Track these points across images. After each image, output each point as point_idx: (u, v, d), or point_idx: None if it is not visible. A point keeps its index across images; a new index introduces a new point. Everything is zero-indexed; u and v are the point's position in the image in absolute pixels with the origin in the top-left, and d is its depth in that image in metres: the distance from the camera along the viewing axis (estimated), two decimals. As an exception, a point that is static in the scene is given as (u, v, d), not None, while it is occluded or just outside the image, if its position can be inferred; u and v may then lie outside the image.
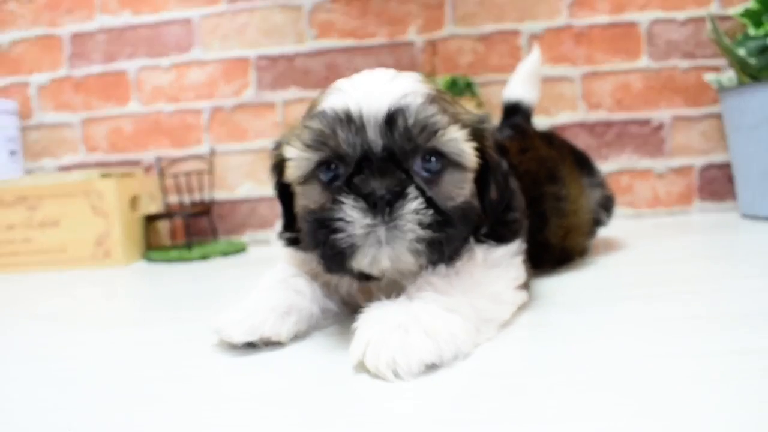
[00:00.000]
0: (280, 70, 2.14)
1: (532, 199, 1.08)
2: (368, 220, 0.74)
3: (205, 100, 2.18)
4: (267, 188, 2.16)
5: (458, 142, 0.80)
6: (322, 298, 0.94)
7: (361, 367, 0.72)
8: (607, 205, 1.37)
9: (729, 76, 1.86)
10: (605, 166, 2.03)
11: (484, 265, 0.87)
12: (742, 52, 1.73)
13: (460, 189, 0.82)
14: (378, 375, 0.70)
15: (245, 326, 0.84)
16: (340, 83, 0.83)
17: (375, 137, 0.77)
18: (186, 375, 0.80)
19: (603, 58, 2.04)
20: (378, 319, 0.75)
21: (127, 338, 1.03)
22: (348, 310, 0.97)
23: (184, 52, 2.18)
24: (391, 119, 0.76)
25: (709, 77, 1.90)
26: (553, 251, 1.20)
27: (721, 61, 1.99)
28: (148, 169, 2.23)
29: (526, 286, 0.95)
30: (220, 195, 2.18)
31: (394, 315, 0.74)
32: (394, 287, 0.85)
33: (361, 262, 0.77)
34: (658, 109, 2.03)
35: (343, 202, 0.75)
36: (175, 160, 2.12)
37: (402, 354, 0.69)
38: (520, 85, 1.47)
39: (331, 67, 2.11)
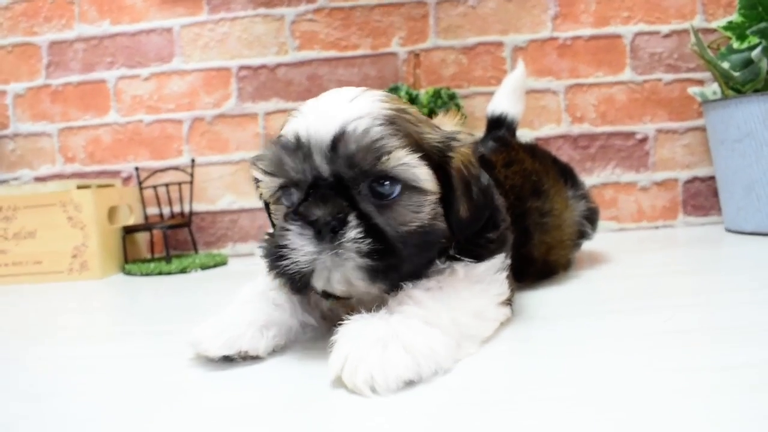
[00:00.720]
0: (262, 81, 2.11)
1: (516, 215, 1.07)
2: (312, 248, 0.75)
3: (186, 110, 2.14)
4: (248, 200, 2.12)
5: (408, 167, 0.78)
6: (301, 312, 0.92)
7: (339, 382, 0.71)
8: (591, 217, 1.36)
9: (713, 89, 1.86)
10: (589, 179, 2.02)
11: (467, 281, 0.85)
12: (726, 65, 1.73)
13: (416, 213, 0.80)
14: (355, 391, 0.68)
15: (222, 339, 0.83)
16: (304, 105, 0.83)
17: (321, 163, 0.77)
18: (162, 389, 0.78)
19: (587, 70, 2.03)
20: (357, 333, 0.73)
21: (102, 352, 1.00)
22: (328, 324, 0.94)
23: (165, 62, 2.15)
24: (334, 145, 0.76)
25: (693, 90, 1.90)
26: (536, 265, 1.18)
27: (705, 74, 1.99)
28: (126, 180, 2.19)
29: (509, 301, 0.93)
30: (199, 207, 2.14)
31: (373, 330, 0.73)
32: (375, 300, 0.83)
33: (317, 284, 0.78)
34: (642, 123, 2.03)
35: (289, 230, 0.76)
36: (154, 171, 2.09)
37: (380, 370, 0.68)
38: (505, 98, 1.46)
39: (313, 78, 2.09)
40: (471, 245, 0.89)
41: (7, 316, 1.39)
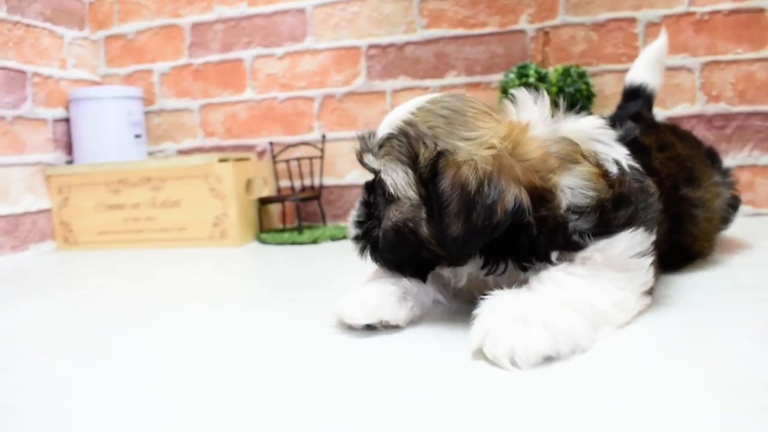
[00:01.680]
0: (390, 59, 2.17)
1: (670, 202, 1.03)
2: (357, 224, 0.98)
3: (317, 88, 2.24)
4: (374, 175, 2.19)
5: (386, 173, 0.88)
6: (433, 289, 0.98)
7: (480, 354, 0.75)
8: (735, 205, 1.32)
9: None
10: (724, 161, 1.95)
11: (611, 268, 0.85)
12: None
13: (397, 213, 0.89)
14: (496, 362, 0.72)
15: (365, 309, 0.89)
16: None
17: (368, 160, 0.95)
18: (307, 350, 0.86)
19: (725, 46, 1.95)
20: (498, 308, 0.77)
21: (247, 315, 1.10)
22: (461, 300, 1.00)
23: (298, 42, 2.25)
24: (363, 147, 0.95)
25: None
26: (685, 252, 1.17)
27: None
28: (261, 154, 2.32)
29: (651, 290, 0.92)
30: (329, 181, 2.24)
31: (514, 306, 0.76)
32: (512, 280, 0.87)
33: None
34: (785, 101, 1.93)
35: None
36: (287, 146, 2.20)
37: (520, 343, 0.71)
38: (645, 69, 1.42)
39: (440, 56, 2.12)
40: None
41: (158, 279, 1.53)
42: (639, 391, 0.63)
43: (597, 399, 0.62)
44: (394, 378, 0.72)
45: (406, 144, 0.86)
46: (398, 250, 0.91)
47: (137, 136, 2.26)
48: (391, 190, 0.87)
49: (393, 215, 0.89)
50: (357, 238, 0.96)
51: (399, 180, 0.87)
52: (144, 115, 2.35)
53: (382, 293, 0.91)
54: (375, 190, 0.94)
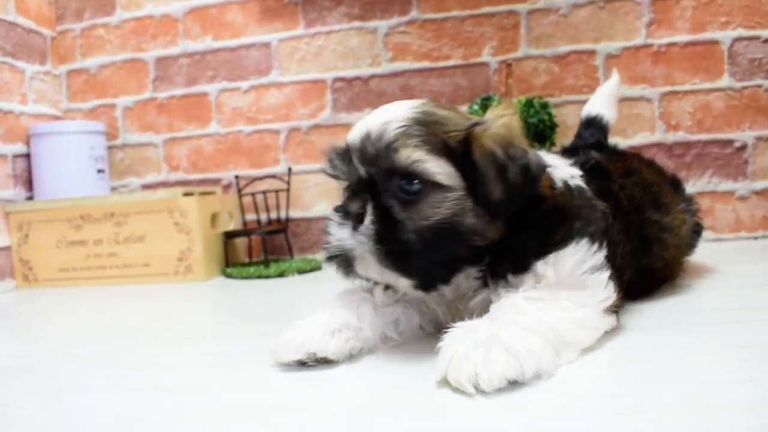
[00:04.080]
0: (356, 92, 2.18)
1: (633, 224, 1.06)
2: (343, 235, 0.85)
3: (283, 121, 2.24)
4: (341, 207, 2.19)
5: (421, 163, 0.83)
6: (382, 326, 0.96)
7: (444, 383, 0.75)
8: (698, 231, 1.35)
9: (818, 95, 1.80)
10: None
11: (569, 287, 0.86)
12: (832, 70, 1.67)
13: (436, 208, 0.83)
14: (459, 387, 0.72)
15: (294, 345, 0.88)
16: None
17: (359, 165, 0.86)
18: (257, 387, 0.84)
19: (682, 77, 2.00)
20: (461, 337, 0.77)
21: (206, 350, 1.08)
22: (433, 329, 0.99)
23: (263, 75, 2.25)
24: (362, 148, 0.86)
25: (796, 97, 1.85)
26: (655, 277, 1.18)
27: (809, 80, 1.93)
28: (227, 188, 2.30)
29: (616, 309, 0.92)
30: (295, 213, 2.23)
31: (476, 333, 0.76)
32: (482, 307, 0.87)
33: (359, 270, 0.87)
34: (741, 130, 1.98)
35: (331, 221, 0.87)
36: (253, 180, 2.18)
37: (483, 367, 0.71)
38: (600, 102, 1.47)
39: (405, 89, 2.14)
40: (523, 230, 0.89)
41: (118, 316, 1.49)
42: (604, 416, 0.63)
43: (563, 425, 0.61)
44: (353, 410, 0.71)
45: (429, 132, 0.84)
46: (437, 251, 0.84)
47: (100, 171, 2.23)
48: (441, 180, 0.83)
49: (431, 212, 0.83)
50: (376, 251, 0.83)
51: (443, 168, 0.84)
52: (107, 150, 2.32)
53: (311, 327, 0.90)
54: (378, 193, 0.85)
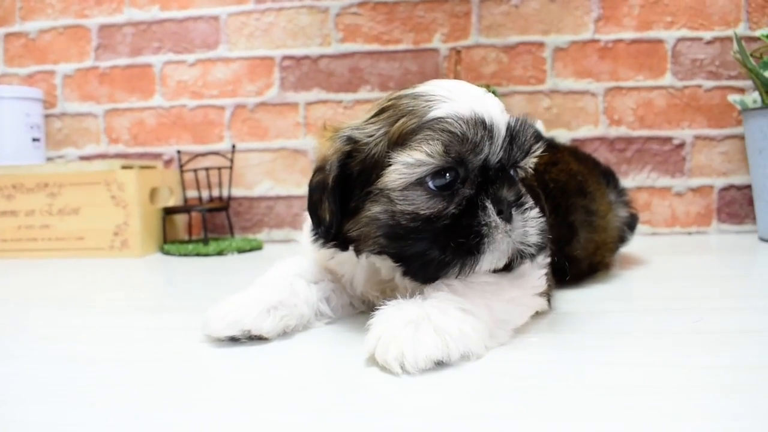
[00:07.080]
0: (304, 71, 2.15)
1: (560, 209, 1.08)
2: (502, 225, 0.79)
3: (229, 97, 2.19)
4: (285, 187, 2.17)
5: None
6: (316, 301, 0.95)
7: (373, 361, 0.75)
8: (632, 224, 1.38)
9: (753, 97, 1.86)
10: (624, 182, 2.01)
11: (505, 276, 0.87)
12: (767, 74, 1.73)
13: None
14: (386, 367, 0.72)
15: (227, 320, 0.86)
16: (439, 90, 0.82)
17: (498, 149, 0.81)
18: (186, 360, 0.82)
19: (627, 74, 2.04)
20: (391, 315, 0.77)
21: (134, 323, 1.05)
22: (364, 307, 0.99)
23: (210, 49, 2.20)
24: (513, 133, 0.81)
25: (733, 98, 1.90)
26: (580, 266, 1.20)
27: (746, 83, 1.98)
28: (168, 163, 2.24)
29: (547, 294, 0.95)
30: (238, 192, 2.19)
31: (406, 312, 0.76)
32: (413, 287, 0.86)
33: (488, 260, 0.80)
34: (680, 128, 2.03)
35: (486, 207, 0.79)
36: (195, 156, 2.14)
37: (410, 348, 0.71)
38: None
39: (354, 71, 2.12)
40: None
41: (47, 287, 1.44)
42: (532, 397, 0.64)
43: (487, 405, 0.62)
44: (281, 386, 0.70)
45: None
46: None
47: (35, 140, 2.15)
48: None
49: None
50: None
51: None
52: (44, 119, 2.23)
53: (246, 303, 0.87)
54: (516, 183, 0.84)
